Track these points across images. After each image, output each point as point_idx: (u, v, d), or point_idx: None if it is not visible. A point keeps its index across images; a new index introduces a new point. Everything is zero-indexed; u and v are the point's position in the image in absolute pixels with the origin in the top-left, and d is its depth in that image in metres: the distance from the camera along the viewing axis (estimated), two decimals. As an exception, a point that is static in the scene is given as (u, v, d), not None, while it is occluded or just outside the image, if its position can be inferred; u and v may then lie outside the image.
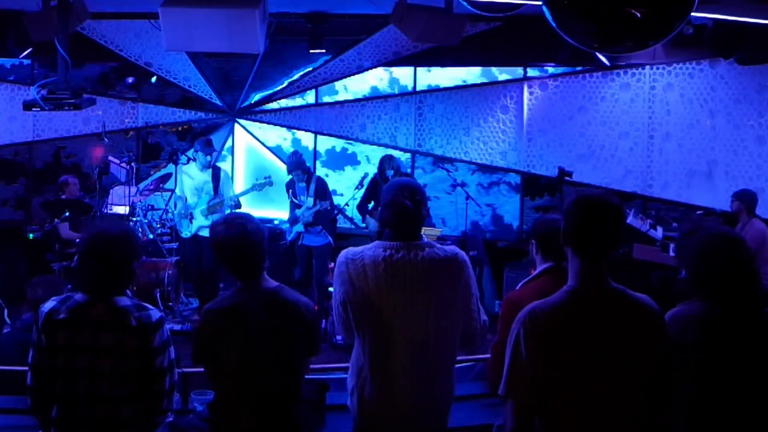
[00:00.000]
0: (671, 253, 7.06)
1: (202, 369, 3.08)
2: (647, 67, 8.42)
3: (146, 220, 7.79)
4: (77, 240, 7.45)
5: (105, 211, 7.71)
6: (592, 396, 2.33)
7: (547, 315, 2.38)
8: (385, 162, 8.00)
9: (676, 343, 2.53)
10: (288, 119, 9.65)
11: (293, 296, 3.01)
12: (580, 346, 2.33)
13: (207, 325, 2.95)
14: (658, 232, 7.46)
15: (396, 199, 3.02)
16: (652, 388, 2.38)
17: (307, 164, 8.00)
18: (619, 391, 2.34)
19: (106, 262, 2.82)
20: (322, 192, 7.67)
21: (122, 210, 7.82)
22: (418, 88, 9.31)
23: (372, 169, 9.12)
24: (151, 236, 7.78)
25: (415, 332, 2.91)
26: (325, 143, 9.64)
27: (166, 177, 8.39)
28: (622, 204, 2.53)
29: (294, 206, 7.79)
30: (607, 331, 2.34)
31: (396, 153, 9.17)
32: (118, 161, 8.07)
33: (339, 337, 6.37)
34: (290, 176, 7.80)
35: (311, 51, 8.57)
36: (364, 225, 8.43)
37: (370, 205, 8.20)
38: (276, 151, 9.65)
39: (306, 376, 3.16)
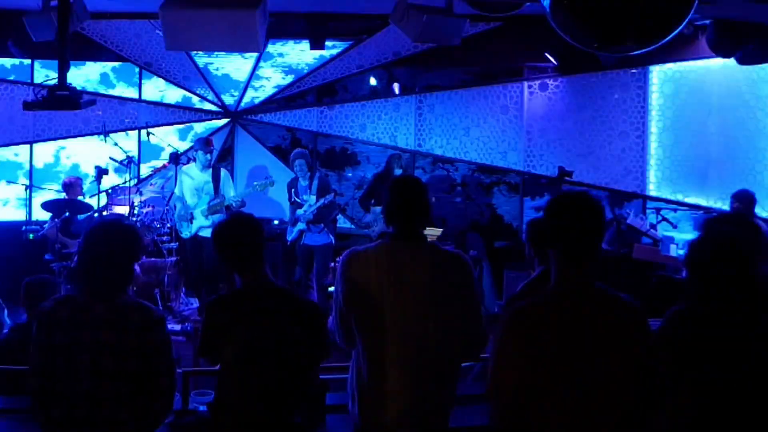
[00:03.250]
0: (671, 253, 7.07)
1: (203, 369, 3.08)
2: (647, 67, 8.42)
3: (146, 220, 7.79)
4: (70, 242, 7.45)
5: (105, 211, 7.71)
6: (576, 396, 2.31)
7: (531, 315, 2.37)
8: (394, 161, 7.95)
9: (674, 340, 2.53)
10: (288, 119, 9.66)
11: (298, 297, 3.04)
12: (563, 346, 2.32)
13: (210, 318, 2.97)
14: (658, 232, 7.47)
15: (399, 198, 3.03)
16: (636, 387, 2.36)
17: (311, 162, 7.99)
18: (602, 390, 2.32)
19: (106, 260, 2.82)
20: (325, 190, 7.67)
21: (122, 210, 7.82)
22: (418, 88, 9.31)
23: (372, 169, 9.13)
24: (151, 236, 7.77)
25: (416, 331, 2.91)
26: (325, 143, 9.64)
27: (166, 177, 8.38)
28: (601, 202, 2.51)
29: (296, 206, 7.78)
30: (589, 331, 2.33)
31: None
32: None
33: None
34: (292, 172, 7.78)
35: (311, 51, 8.57)
36: (364, 220, 8.34)
37: (371, 202, 8.17)
38: (276, 151, 9.65)
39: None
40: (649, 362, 2.38)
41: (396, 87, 9.32)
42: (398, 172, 7.80)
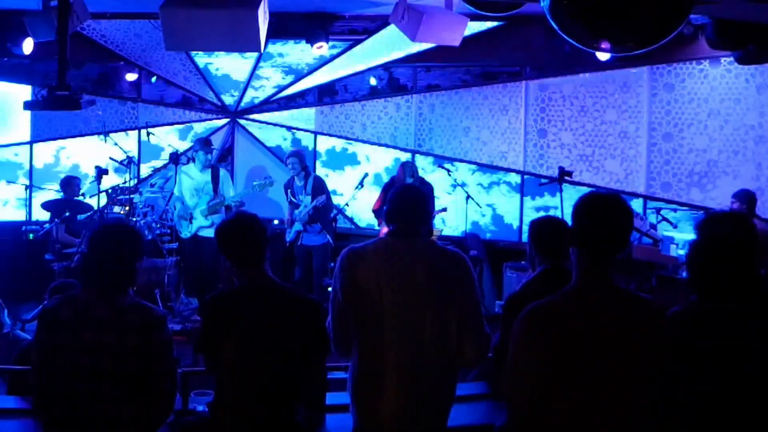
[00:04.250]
0: (671, 253, 7.07)
1: (202, 369, 3.08)
2: (648, 67, 8.42)
3: (146, 221, 7.78)
4: (77, 241, 7.46)
5: (105, 211, 7.70)
6: (594, 395, 2.32)
7: (550, 314, 2.37)
8: (407, 169, 8.02)
9: (675, 341, 2.53)
10: (288, 119, 9.66)
11: (298, 294, 3.05)
12: (582, 345, 2.33)
13: (209, 314, 2.98)
14: (658, 232, 7.46)
15: (401, 198, 3.04)
16: (653, 388, 2.37)
17: (306, 162, 8.02)
18: (620, 390, 2.33)
19: (109, 261, 2.83)
20: (320, 190, 7.70)
21: (122, 210, 7.82)
22: (418, 88, 9.31)
23: (372, 169, 9.13)
24: (151, 236, 7.77)
25: (414, 329, 2.91)
26: (325, 143, 9.64)
27: (166, 177, 8.38)
28: (630, 205, 2.52)
29: (293, 206, 7.80)
30: (609, 331, 2.34)
31: (396, 153, 9.18)
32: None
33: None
34: (288, 171, 7.81)
35: (311, 51, 8.56)
36: (378, 229, 8.35)
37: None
38: (276, 151, 9.65)
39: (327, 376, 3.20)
40: (667, 364, 2.40)
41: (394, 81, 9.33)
42: (409, 180, 7.85)
